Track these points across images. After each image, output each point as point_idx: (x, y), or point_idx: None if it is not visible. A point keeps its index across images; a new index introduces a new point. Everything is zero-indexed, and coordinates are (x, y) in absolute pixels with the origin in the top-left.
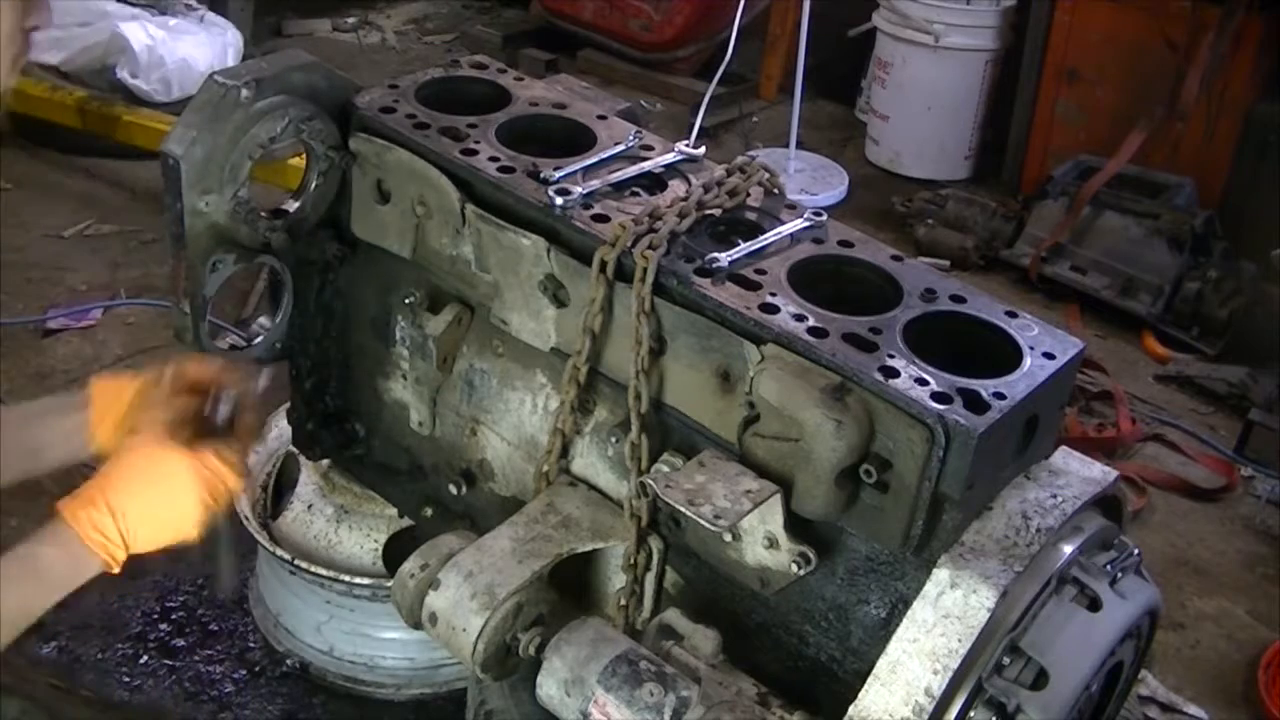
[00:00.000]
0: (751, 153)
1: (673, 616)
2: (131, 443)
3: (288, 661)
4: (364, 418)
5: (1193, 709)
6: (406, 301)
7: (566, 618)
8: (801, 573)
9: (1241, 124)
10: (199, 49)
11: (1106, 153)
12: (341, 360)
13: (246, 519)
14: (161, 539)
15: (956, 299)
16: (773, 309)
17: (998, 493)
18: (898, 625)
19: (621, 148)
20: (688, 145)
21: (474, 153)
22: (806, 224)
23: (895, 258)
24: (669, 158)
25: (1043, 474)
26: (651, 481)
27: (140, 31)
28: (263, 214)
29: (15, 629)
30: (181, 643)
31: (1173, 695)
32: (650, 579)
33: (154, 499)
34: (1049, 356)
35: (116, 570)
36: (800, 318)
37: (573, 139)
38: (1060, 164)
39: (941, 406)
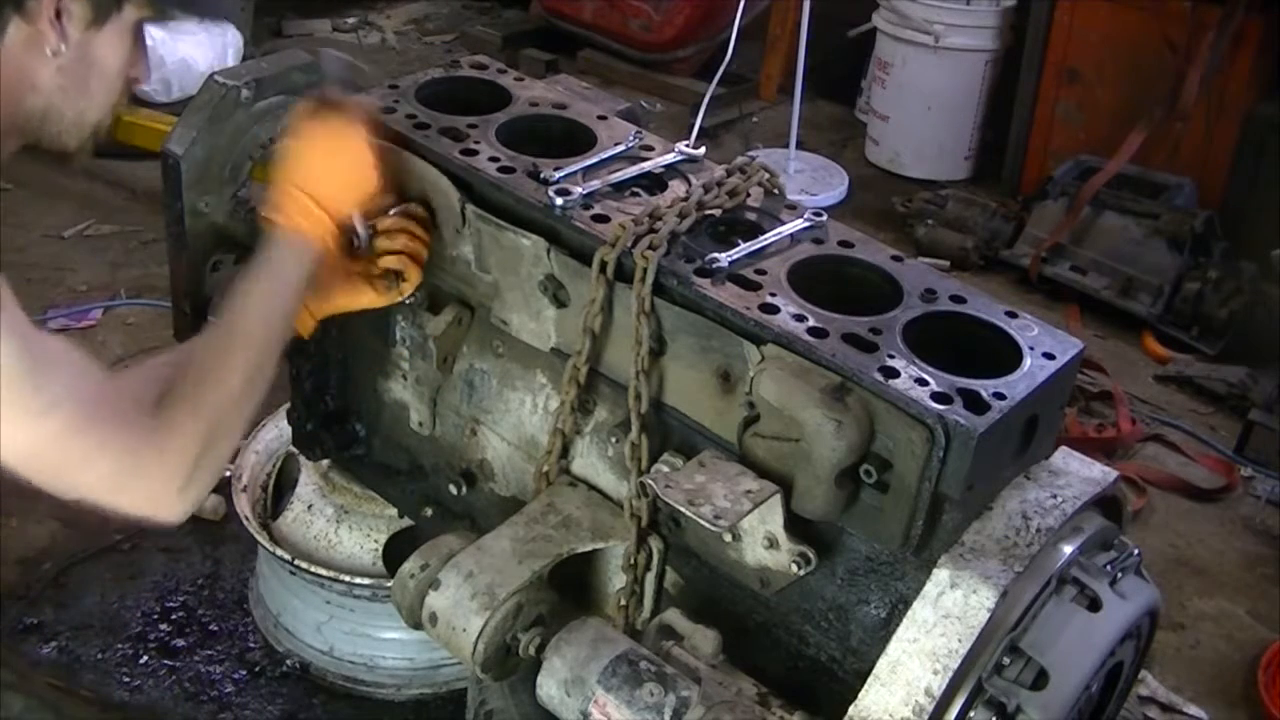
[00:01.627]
0: (751, 153)
1: (673, 616)
2: (302, 132)
3: (288, 662)
4: (364, 418)
5: (1193, 709)
6: (406, 301)
7: (566, 618)
8: (801, 573)
9: (1241, 124)
10: (199, 49)
11: (1106, 153)
12: (341, 360)
13: (247, 519)
14: (353, 198)
15: (956, 299)
16: (773, 309)
17: (998, 493)
18: (898, 625)
19: (621, 148)
20: (688, 145)
21: (474, 153)
22: (806, 224)
23: (895, 258)
24: (669, 158)
25: (1043, 474)
26: (651, 481)
27: None
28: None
29: (274, 339)
30: (181, 643)
31: (1173, 695)
32: (650, 579)
33: (334, 168)
34: (1049, 356)
35: (332, 244)
36: (800, 318)
37: (573, 139)
38: (1060, 164)
39: (941, 406)
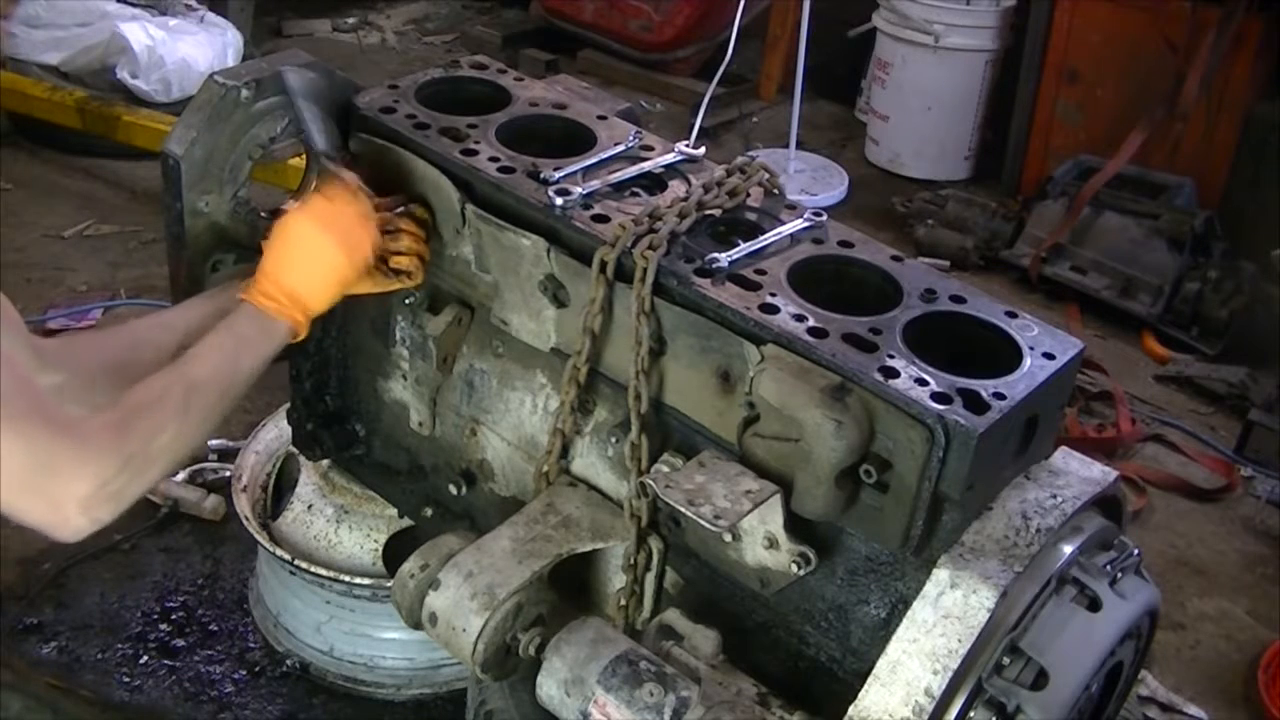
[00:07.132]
0: (751, 153)
1: (673, 616)
2: (274, 227)
3: (288, 661)
4: (364, 418)
5: (1193, 709)
6: (406, 301)
7: (566, 618)
8: (801, 573)
9: (1241, 124)
10: (199, 49)
11: (1106, 153)
12: (341, 360)
13: (246, 519)
14: (331, 293)
15: (956, 299)
16: (773, 309)
17: (998, 493)
18: (898, 625)
19: (621, 148)
20: (688, 145)
21: (474, 153)
22: (806, 224)
23: (895, 258)
24: (669, 158)
25: (1043, 474)
26: (651, 481)
27: (140, 32)
28: (263, 214)
29: (225, 390)
30: (181, 643)
31: (1173, 695)
32: (650, 579)
33: (304, 262)
34: (1049, 356)
35: (304, 333)
36: (800, 318)
37: (573, 139)
38: (1060, 164)
39: (941, 406)
